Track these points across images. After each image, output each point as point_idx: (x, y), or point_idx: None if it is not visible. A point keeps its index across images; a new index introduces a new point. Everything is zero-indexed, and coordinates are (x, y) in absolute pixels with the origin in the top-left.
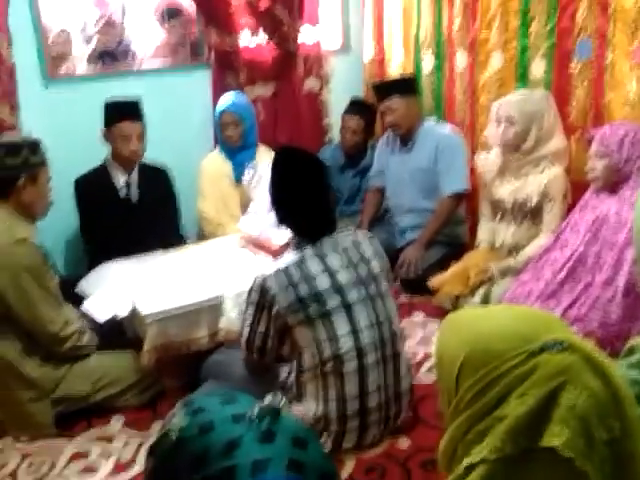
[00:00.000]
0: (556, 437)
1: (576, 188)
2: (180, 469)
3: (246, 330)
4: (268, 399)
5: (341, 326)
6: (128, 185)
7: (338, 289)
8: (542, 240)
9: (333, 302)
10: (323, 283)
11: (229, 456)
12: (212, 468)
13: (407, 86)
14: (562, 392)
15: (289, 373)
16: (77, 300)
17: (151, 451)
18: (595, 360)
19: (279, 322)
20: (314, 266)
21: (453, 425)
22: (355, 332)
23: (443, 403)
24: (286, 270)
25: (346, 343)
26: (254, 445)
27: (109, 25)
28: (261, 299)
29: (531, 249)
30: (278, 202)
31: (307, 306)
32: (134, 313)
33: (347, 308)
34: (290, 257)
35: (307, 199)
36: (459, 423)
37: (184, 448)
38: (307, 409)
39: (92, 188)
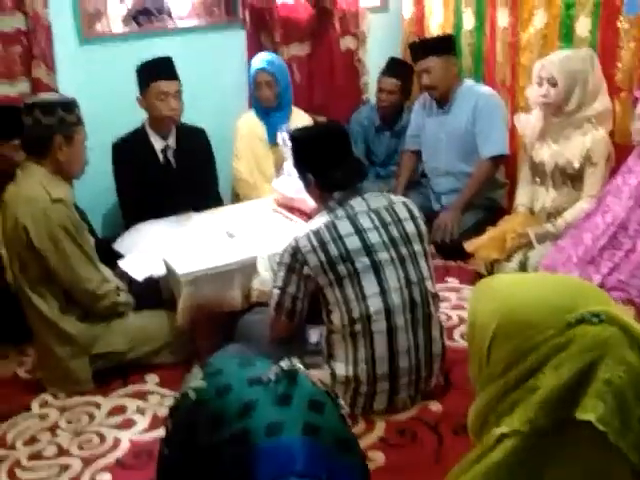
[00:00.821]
0: (590, 411)
1: (620, 151)
2: (198, 430)
3: (276, 292)
4: (285, 363)
5: (370, 286)
6: (166, 150)
7: (368, 249)
8: (583, 205)
9: (362, 262)
10: (353, 243)
11: (244, 418)
12: (228, 430)
13: (444, 46)
14: (599, 366)
15: (320, 335)
16: (114, 260)
17: (171, 412)
18: (634, 334)
19: (310, 284)
20: (345, 227)
21: (484, 394)
22: (384, 292)
23: (473, 369)
24: (317, 231)
25: (375, 303)
26: (270, 408)
27: None
28: (292, 260)
29: (571, 214)
30: (303, 164)
31: (336, 266)
32: (169, 273)
33: (376, 269)
34: (322, 219)
35: (329, 152)
36: (490, 392)
37: (202, 409)
38: (337, 370)
39: (130, 152)
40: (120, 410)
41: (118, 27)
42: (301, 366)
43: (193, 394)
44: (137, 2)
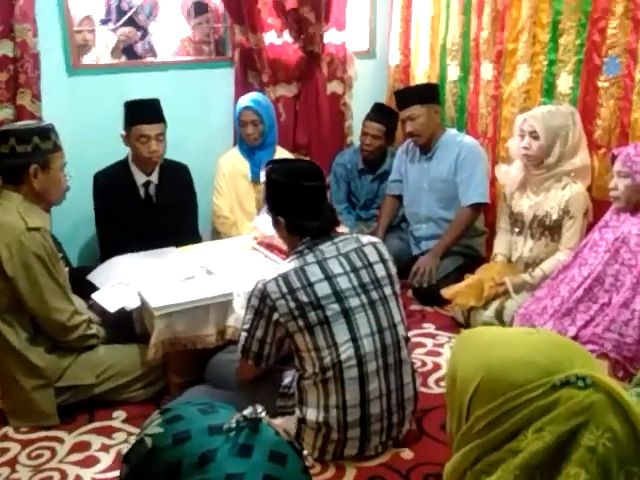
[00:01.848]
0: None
1: (597, 207)
2: (153, 479)
3: (243, 335)
4: (248, 411)
5: (341, 334)
6: (147, 185)
7: (338, 295)
8: (560, 257)
9: (333, 309)
10: (323, 290)
11: (202, 469)
12: None
13: (429, 94)
14: (583, 431)
15: (292, 379)
16: (88, 291)
17: (126, 458)
18: (620, 400)
19: (279, 329)
20: (314, 273)
21: (462, 451)
22: (355, 340)
23: (451, 423)
24: (286, 277)
25: (346, 351)
26: (229, 459)
27: (135, 18)
28: (261, 305)
29: (548, 265)
30: (276, 207)
31: (307, 313)
32: (143, 306)
33: (347, 315)
34: (290, 264)
35: (305, 203)
36: (469, 450)
37: (158, 457)
38: (308, 415)
39: (111, 185)
40: (84, 447)
41: (107, 59)
42: (264, 414)
43: (149, 441)
44: (127, 35)
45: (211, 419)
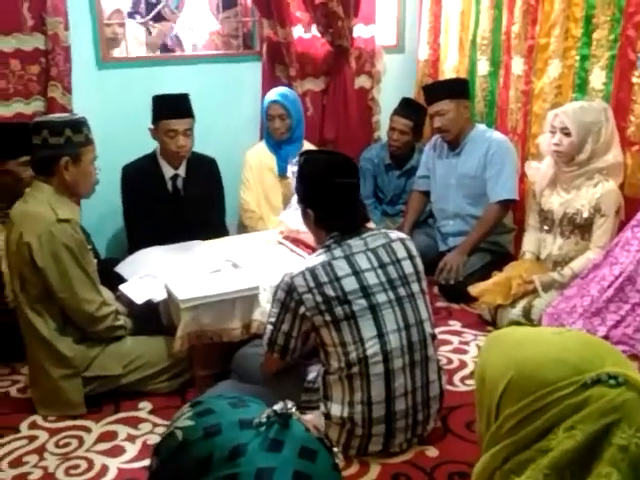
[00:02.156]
0: (604, 479)
1: (630, 204)
2: (183, 472)
3: (269, 328)
4: (279, 406)
5: (367, 329)
6: (175, 178)
7: (365, 291)
8: (590, 255)
9: (359, 304)
10: (350, 285)
11: (233, 463)
12: (215, 474)
13: (458, 89)
14: (615, 430)
15: (317, 374)
16: (115, 282)
17: (156, 450)
18: None
19: (305, 324)
20: (342, 267)
21: (492, 451)
22: (382, 336)
23: (481, 423)
24: (313, 270)
25: (372, 347)
26: (259, 453)
27: (162, 11)
28: (287, 298)
29: (578, 264)
30: (307, 200)
31: (333, 308)
32: (170, 298)
33: (374, 311)
34: (318, 258)
35: (337, 200)
36: (498, 450)
37: (188, 450)
38: (332, 410)
39: (139, 178)
40: (110, 436)
41: (136, 52)
42: (295, 410)
43: (180, 434)
44: (157, 29)
45: (242, 413)
